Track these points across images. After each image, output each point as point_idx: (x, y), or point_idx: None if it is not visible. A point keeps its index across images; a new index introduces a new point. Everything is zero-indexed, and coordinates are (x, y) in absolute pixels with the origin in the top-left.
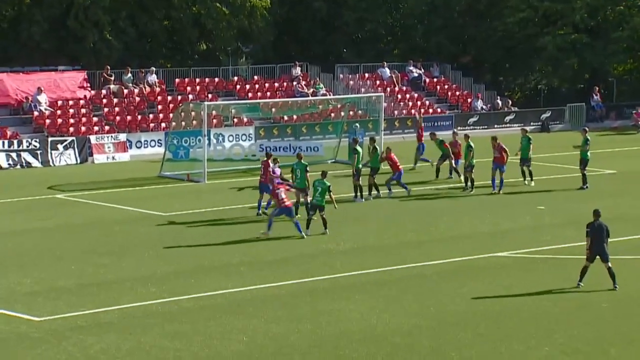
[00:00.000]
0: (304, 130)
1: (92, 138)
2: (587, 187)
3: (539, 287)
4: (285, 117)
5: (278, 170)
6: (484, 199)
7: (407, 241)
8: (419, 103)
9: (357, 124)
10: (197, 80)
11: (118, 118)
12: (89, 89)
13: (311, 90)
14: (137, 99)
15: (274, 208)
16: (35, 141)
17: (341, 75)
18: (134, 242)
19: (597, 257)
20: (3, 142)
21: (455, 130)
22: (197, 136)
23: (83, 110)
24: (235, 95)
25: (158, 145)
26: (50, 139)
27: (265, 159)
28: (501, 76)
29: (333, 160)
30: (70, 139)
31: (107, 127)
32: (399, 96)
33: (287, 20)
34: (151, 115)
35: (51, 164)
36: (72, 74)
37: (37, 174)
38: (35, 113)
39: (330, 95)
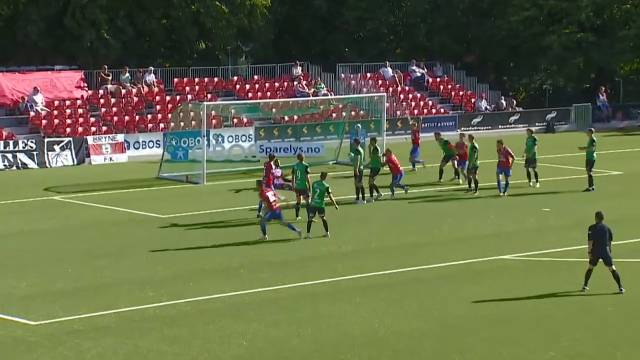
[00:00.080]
0: (304, 130)
1: (89, 139)
2: (593, 188)
3: (544, 290)
4: (286, 118)
5: (279, 171)
6: (488, 201)
7: (410, 244)
8: (421, 103)
9: (359, 125)
10: (196, 79)
11: (116, 118)
12: (86, 88)
13: (312, 90)
14: (135, 99)
15: (265, 212)
16: (32, 142)
17: (343, 75)
18: (131, 245)
19: (601, 260)
20: None
21: (462, 132)
22: (196, 137)
23: (80, 111)
24: (234, 95)
25: (156, 146)
26: (46, 139)
27: (268, 160)
28: (505, 76)
29: (334, 162)
30: (67, 139)
31: (104, 128)
32: (402, 96)
33: (287, 19)
34: (149, 116)
35: (47, 165)
36: (69, 73)
37: (33, 175)
38: (32, 113)
39: (331, 95)
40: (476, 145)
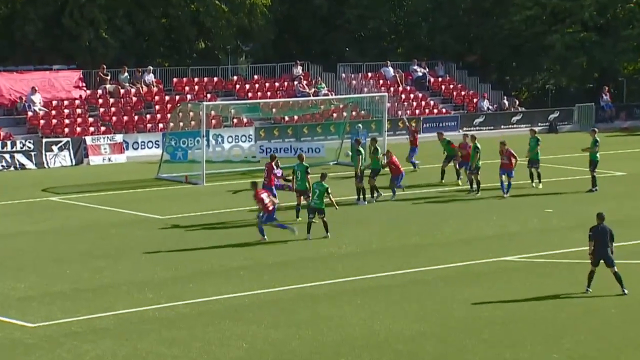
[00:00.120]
0: (305, 131)
1: (88, 139)
2: (596, 189)
3: (546, 292)
4: (286, 118)
5: (280, 171)
6: (491, 202)
7: (411, 245)
8: (423, 103)
9: (360, 125)
10: (196, 79)
11: (114, 118)
12: (85, 88)
13: (313, 90)
14: (134, 99)
15: (260, 213)
16: (29, 142)
17: (343, 75)
18: (130, 246)
19: (602, 261)
20: None
21: (466, 132)
22: (195, 137)
23: (78, 111)
24: (234, 95)
25: (155, 147)
26: (44, 140)
27: (270, 161)
28: (508, 75)
29: (335, 162)
30: (65, 140)
31: (103, 128)
32: (403, 96)
33: (287, 18)
34: (148, 116)
35: (45, 165)
36: (67, 73)
37: (31, 175)
38: (29, 113)
39: (332, 95)
40: (478, 145)
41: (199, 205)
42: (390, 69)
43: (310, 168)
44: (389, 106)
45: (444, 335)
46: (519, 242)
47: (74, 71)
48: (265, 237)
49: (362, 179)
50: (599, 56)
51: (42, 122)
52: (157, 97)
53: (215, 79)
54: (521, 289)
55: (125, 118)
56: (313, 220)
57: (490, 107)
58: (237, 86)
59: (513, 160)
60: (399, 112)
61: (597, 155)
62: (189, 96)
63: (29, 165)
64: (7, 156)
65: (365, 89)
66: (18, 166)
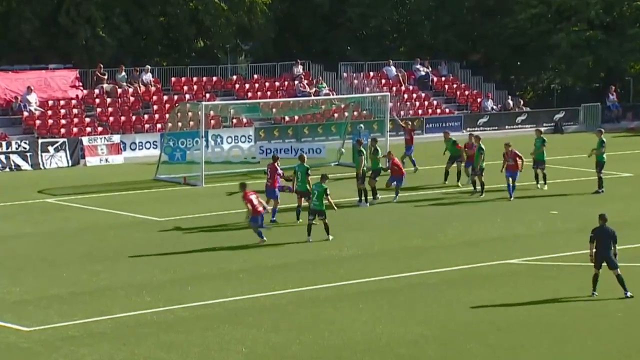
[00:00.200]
0: (306, 131)
1: (85, 139)
2: (602, 190)
3: (551, 296)
4: (287, 118)
5: (281, 171)
6: (495, 204)
7: (414, 247)
8: (426, 103)
9: (362, 125)
10: (195, 79)
11: (111, 119)
12: (81, 88)
13: (313, 89)
14: (132, 98)
15: (248, 216)
16: (25, 143)
17: (345, 74)
18: (128, 248)
19: (605, 264)
20: None
21: (471, 132)
22: (194, 138)
23: (75, 111)
24: (234, 95)
25: (153, 147)
26: (40, 140)
27: (272, 162)
28: (512, 75)
29: (336, 163)
30: (61, 140)
31: (100, 128)
32: (406, 96)
33: (288, 16)
34: (146, 116)
35: (41, 166)
36: (64, 72)
37: (26, 177)
38: (25, 113)
39: (333, 94)
40: (482, 146)
41: (197, 206)
42: (393, 68)
43: (311, 169)
44: (391, 106)
45: (446, 339)
46: (523, 244)
47: (71, 70)
48: (265, 238)
49: (364, 181)
50: (605, 55)
51: (38, 122)
52: (155, 97)
53: (215, 78)
54: (526, 292)
55: (123, 118)
56: (313, 222)
57: (495, 107)
58: (237, 86)
59: (519, 161)
60: (394, 115)
61: (604, 156)
62: (187, 96)
63: (25, 166)
64: (2, 157)
65: (367, 89)
66: (13, 167)
